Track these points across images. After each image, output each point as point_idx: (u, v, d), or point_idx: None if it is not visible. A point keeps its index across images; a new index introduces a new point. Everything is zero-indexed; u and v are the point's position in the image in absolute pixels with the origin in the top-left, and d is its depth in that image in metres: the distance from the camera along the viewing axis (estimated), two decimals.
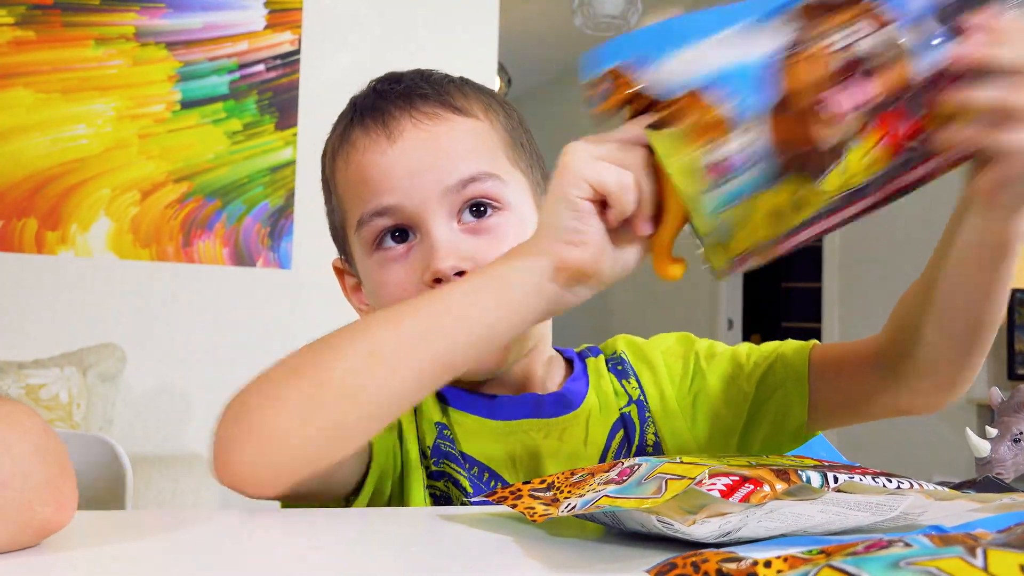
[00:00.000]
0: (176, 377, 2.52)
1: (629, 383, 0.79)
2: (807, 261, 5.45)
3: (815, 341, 0.78)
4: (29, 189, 2.49)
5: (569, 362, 0.82)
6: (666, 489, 0.43)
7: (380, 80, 0.78)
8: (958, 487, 0.56)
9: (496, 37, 2.58)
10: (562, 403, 0.76)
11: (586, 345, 0.85)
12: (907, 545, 0.29)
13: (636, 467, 0.48)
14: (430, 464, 0.71)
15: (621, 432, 0.76)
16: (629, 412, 0.77)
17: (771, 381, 0.76)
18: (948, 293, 0.63)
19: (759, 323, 5.77)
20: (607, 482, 0.47)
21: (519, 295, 0.58)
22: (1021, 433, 0.61)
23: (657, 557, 0.43)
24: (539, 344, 0.77)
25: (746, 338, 5.50)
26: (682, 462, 0.46)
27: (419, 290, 0.69)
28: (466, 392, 0.75)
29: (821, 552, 0.31)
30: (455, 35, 2.57)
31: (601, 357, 0.82)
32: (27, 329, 2.46)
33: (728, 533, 0.42)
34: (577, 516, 0.46)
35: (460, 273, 0.68)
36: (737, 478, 0.41)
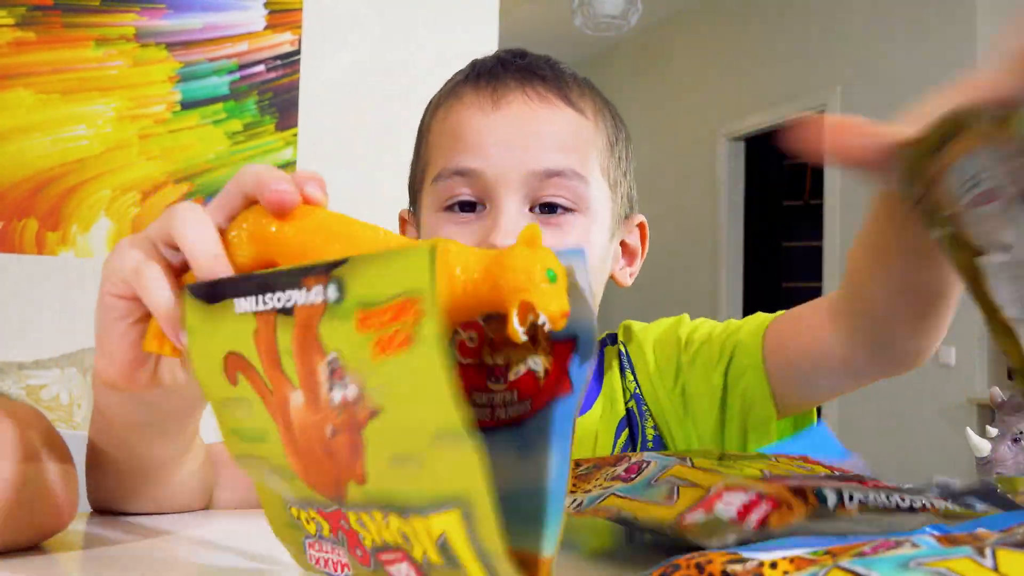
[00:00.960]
0: None
1: (626, 377, 0.78)
2: (807, 261, 5.45)
3: (769, 320, 0.74)
4: (29, 190, 2.49)
5: None
6: (678, 496, 0.42)
7: (508, 51, 0.77)
8: (960, 494, 0.55)
9: (496, 37, 2.58)
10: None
11: (606, 333, 0.83)
12: (915, 545, 0.29)
13: (644, 465, 0.47)
14: None
15: (627, 431, 0.76)
16: (631, 407, 0.77)
17: (734, 371, 0.73)
18: (887, 265, 0.58)
19: None
20: (614, 478, 0.47)
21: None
22: (1021, 433, 0.61)
23: (659, 556, 0.43)
24: None
25: None
26: (694, 466, 0.46)
27: None
28: None
29: (827, 553, 0.31)
30: (455, 35, 2.57)
31: (615, 347, 0.81)
32: (27, 330, 2.45)
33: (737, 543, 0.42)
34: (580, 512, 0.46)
35: None
36: (754, 496, 0.40)
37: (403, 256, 0.30)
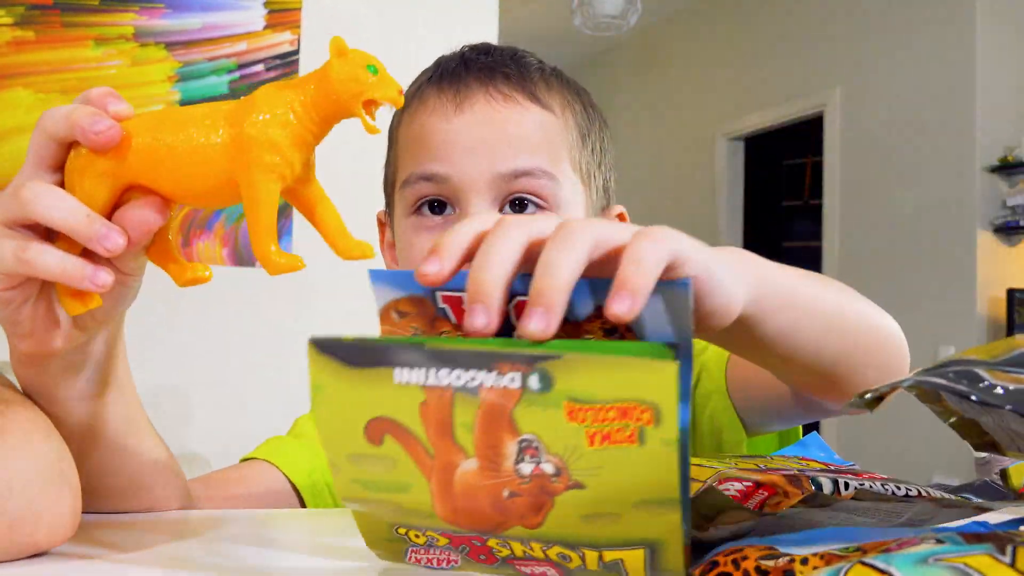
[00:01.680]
0: (176, 377, 2.51)
1: None
2: (807, 261, 5.44)
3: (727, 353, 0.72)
4: None
5: None
6: None
7: (472, 48, 0.76)
8: (956, 491, 0.55)
9: (496, 37, 2.57)
10: None
11: None
12: (939, 542, 0.29)
13: None
14: None
15: None
16: None
17: (700, 393, 0.73)
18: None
19: None
20: None
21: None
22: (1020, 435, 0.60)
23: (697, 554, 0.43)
24: None
25: None
26: (690, 463, 0.46)
27: None
28: None
29: (858, 549, 0.31)
30: (455, 35, 2.56)
31: None
32: None
33: (739, 538, 0.42)
34: None
35: None
36: (750, 484, 0.41)
37: (635, 368, 0.31)
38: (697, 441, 0.74)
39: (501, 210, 0.70)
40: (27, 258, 0.42)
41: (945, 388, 0.34)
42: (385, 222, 0.81)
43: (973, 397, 0.34)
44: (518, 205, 0.70)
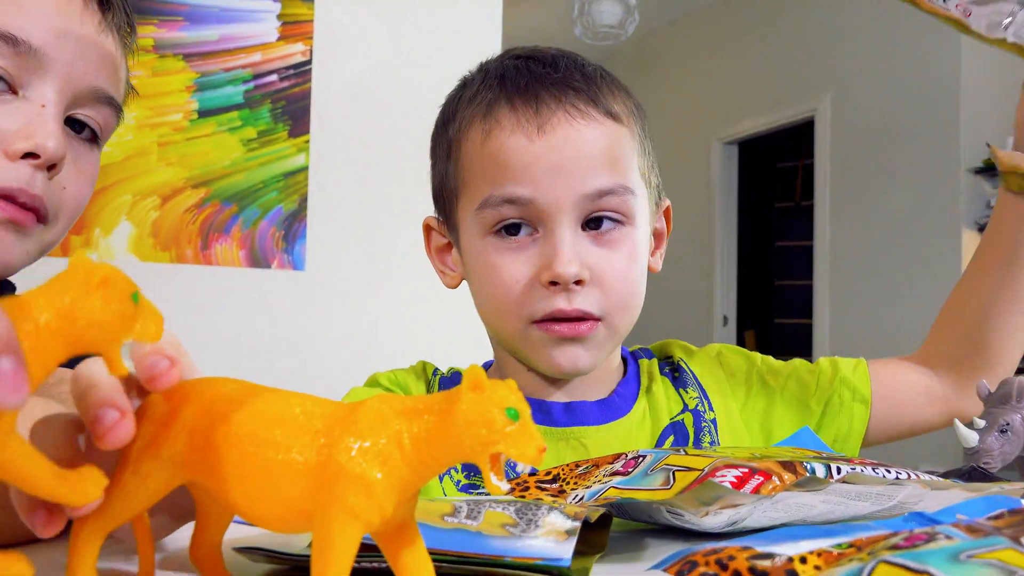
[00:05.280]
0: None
1: (687, 392, 0.77)
2: (798, 260, 5.44)
3: (864, 362, 0.79)
4: None
5: (624, 360, 0.80)
6: (674, 481, 0.42)
7: (532, 59, 0.72)
8: (945, 476, 0.56)
9: (500, 46, 2.58)
10: (612, 409, 0.74)
11: (639, 346, 0.83)
12: (948, 537, 0.29)
13: (641, 458, 0.47)
14: None
15: (671, 439, 0.74)
16: (683, 420, 0.75)
17: (835, 401, 0.76)
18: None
19: (753, 319, 5.76)
20: (612, 474, 0.47)
21: None
22: (1008, 424, 0.60)
23: (660, 550, 0.43)
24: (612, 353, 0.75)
25: (740, 333, 5.49)
26: (686, 454, 0.46)
27: (532, 285, 0.67)
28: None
29: (851, 546, 0.30)
30: (460, 44, 2.57)
31: (655, 360, 0.80)
32: None
33: (735, 523, 0.42)
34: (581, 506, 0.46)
35: (578, 282, 0.66)
36: (746, 470, 0.41)
37: None
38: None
39: (583, 228, 0.68)
40: None
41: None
42: (436, 228, 0.78)
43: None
44: (595, 222, 0.68)
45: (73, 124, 0.61)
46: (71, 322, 0.30)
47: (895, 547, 0.28)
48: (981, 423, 0.61)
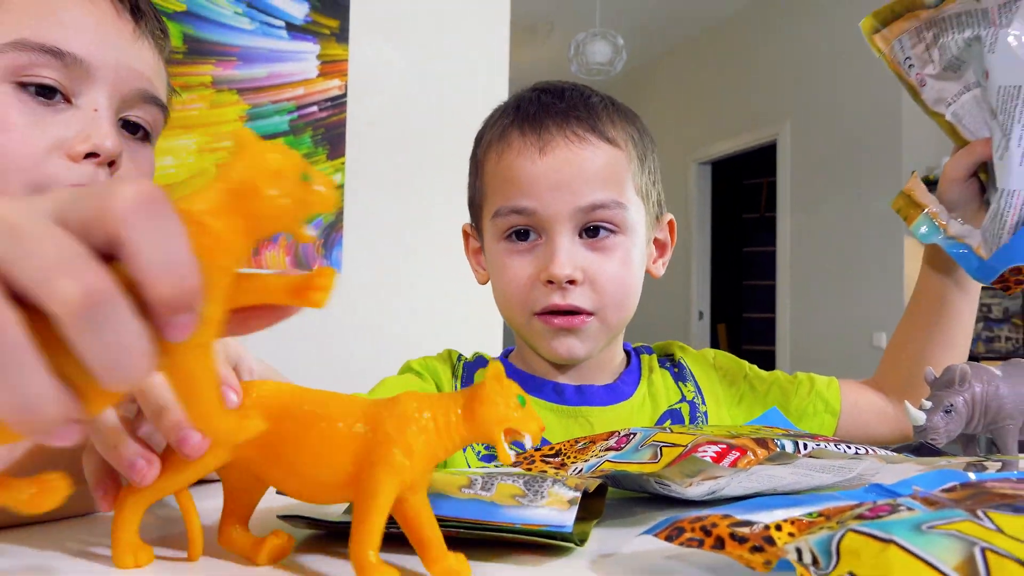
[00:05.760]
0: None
1: (685, 386, 0.76)
2: (763, 263, 5.42)
3: (836, 380, 0.79)
4: None
5: (628, 353, 0.80)
6: (661, 455, 0.41)
7: (545, 91, 0.74)
8: (898, 451, 0.55)
9: (507, 81, 2.58)
10: (616, 393, 0.74)
11: (640, 343, 0.82)
12: (909, 509, 0.28)
13: (631, 435, 0.46)
14: None
15: (668, 423, 0.73)
16: (680, 409, 0.74)
17: (810, 411, 0.76)
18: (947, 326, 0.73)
19: (724, 314, 5.74)
20: (607, 449, 0.46)
21: None
22: (951, 405, 0.59)
23: (651, 516, 0.42)
24: (615, 342, 0.75)
25: (714, 326, 5.47)
26: (672, 431, 0.45)
27: (534, 282, 0.68)
28: (534, 377, 0.74)
29: (820, 515, 0.29)
30: (473, 79, 2.58)
31: (654, 356, 0.80)
32: None
33: (715, 492, 0.41)
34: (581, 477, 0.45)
35: (571, 282, 0.67)
36: (724, 446, 0.40)
37: None
38: None
39: (580, 233, 0.69)
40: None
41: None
42: (471, 234, 0.79)
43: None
44: (592, 230, 0.69)
45: (127, 126, 0.60)
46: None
47: (861, 516, 0.28)
48: (928, 404, 0.60)
